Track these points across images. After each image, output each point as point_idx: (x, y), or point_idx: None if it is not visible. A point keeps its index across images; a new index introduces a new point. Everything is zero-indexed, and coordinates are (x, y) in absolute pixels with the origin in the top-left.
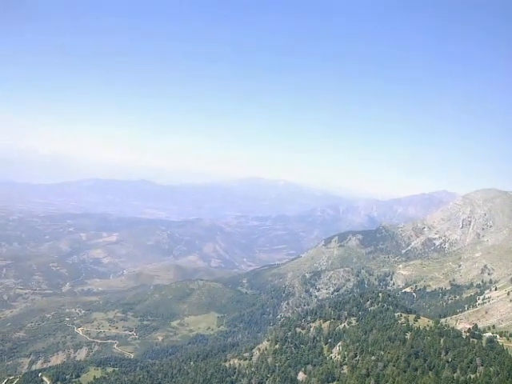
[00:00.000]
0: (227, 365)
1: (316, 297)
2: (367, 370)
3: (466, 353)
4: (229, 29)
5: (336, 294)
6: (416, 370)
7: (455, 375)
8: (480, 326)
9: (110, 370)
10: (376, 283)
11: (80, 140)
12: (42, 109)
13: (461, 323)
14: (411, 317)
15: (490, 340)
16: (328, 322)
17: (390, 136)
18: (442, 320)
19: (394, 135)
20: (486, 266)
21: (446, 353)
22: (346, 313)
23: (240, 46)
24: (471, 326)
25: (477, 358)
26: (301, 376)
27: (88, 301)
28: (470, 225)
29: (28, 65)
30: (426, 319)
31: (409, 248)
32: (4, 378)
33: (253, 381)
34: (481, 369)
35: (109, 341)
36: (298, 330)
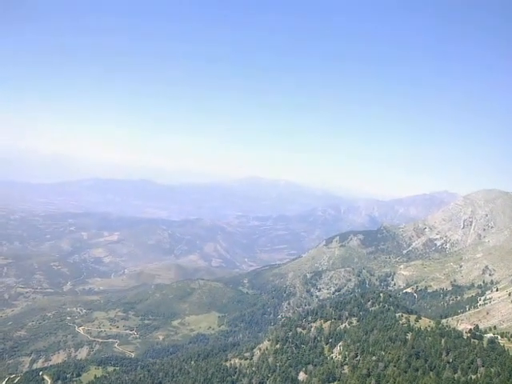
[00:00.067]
0: (228, 364)
1: (317, 297)
2: (368, 370)
3: (467, 353)
4: (229, 29)
5: (337, 294)
6: (417, 370)
7: (456, 376)
8: (481, 326)
9: (110, 369)
10: (377, 283)
11: (80, 140)
12: (42, 109)
13: (462, 324)
14: (412, 317)
15: (491, 341)
16: (329, 322)
17: (390, 136)
18: (443, 320)
19: (394, 135)
20: (487, 267)
21: (447, 353)
22: (346, 313)
23: (240, 46)
24: (472, 327)
25: (478, 359)
26: (301, 376)
27: (89, 300)
28: (471, 225)
29: (28, 65)
30: (427, 320)
31: (410, 248)
32: (5, 377)
33: (253, 380)
34: (482, 370)
35: (110, 340)
36: (299, 329)
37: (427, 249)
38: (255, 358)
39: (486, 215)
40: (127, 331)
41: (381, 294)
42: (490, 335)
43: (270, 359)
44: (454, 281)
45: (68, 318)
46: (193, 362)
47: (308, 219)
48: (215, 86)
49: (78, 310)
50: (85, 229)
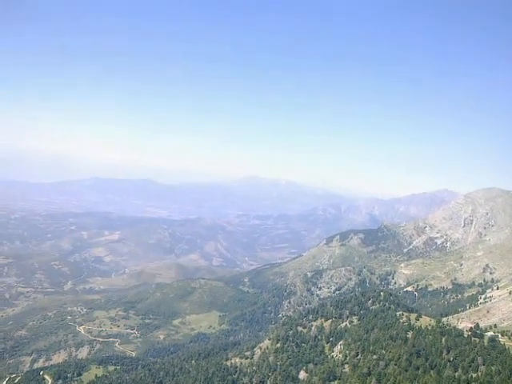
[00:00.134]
0: (229, 363)
1: (317, 296)
2: (369, 368)
3: (468, 352)
4: (229, 29)
5: (337, 292)
6: (417, 368)
7: (457, 374)
8: (482, 325)
9: (111, 368)
10: (378, 282)
11: (80, 140)
12: (42, 109)
13: (462, 322)
14: (413, 316)
15: (492, 339)
16: (329, 321)
17: (390, 135)
18: (444, 319)
19: (394, 134)
20: (487, 265)
21: (448, 352)
22: (347, 312)
23: (240, 46)
24: (473, 325)
25: (478, 357)
26: (302, 375)
27: (90, 299)
28: (471, 224)
29: (28, 65)
30: (428, 318)
31: (410, 247)
32: (6, 377)
33: (254, 379)
34: (482, 368)
35: (110, 339)
36: (300, 328)
37: (428, 247)
38: (256, 357)
39: (487, 214)
40: (128, 330)
41: (381, 293)
42: (490, 334)
43: (271, 358)
44: (455, 279)
45: (69, 317)
46: (193, 361)
47: (308, 218)
48: (215, 86)
49: (79, 309)
50: (85, 228)
